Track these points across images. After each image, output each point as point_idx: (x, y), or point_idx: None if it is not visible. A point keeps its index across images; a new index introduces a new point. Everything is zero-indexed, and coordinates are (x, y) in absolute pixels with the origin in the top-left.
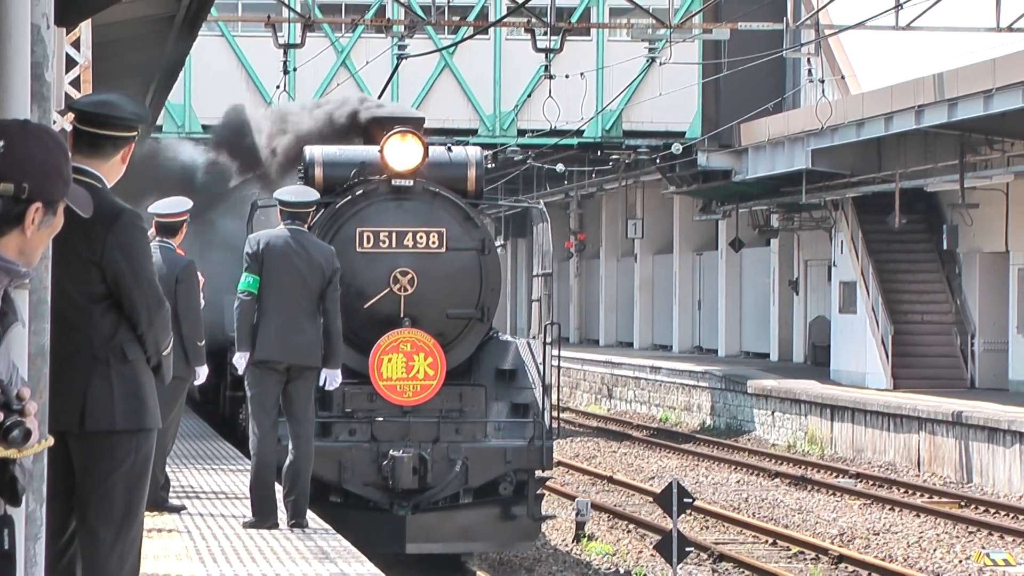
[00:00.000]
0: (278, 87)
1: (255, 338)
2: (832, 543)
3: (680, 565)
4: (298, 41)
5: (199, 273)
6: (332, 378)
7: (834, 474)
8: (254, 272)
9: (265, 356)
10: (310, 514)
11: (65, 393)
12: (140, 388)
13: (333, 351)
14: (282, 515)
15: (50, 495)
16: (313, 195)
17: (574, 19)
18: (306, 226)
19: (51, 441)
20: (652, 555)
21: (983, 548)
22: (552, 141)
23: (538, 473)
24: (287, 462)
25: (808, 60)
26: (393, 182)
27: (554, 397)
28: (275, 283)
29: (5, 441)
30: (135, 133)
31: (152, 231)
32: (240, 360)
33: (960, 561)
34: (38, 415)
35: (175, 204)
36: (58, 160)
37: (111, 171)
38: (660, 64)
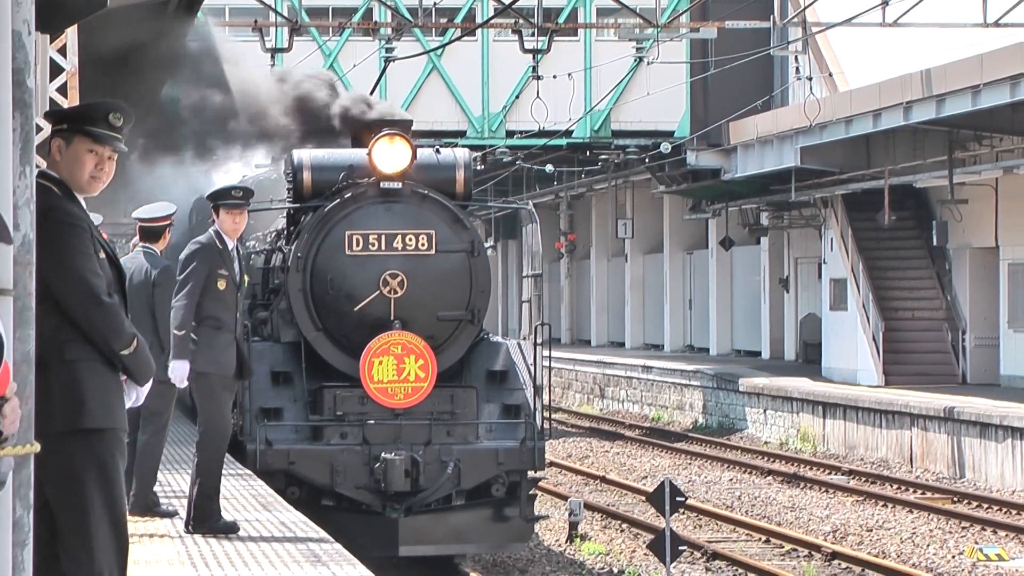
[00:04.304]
0: None
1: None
2: (825, 540)
3: (673, 564)
4: (285, 45)
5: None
6: None
7: (826, 471)
8: None
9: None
10: (302, 517)
11: None
12: (79, 388)
13: None
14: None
15: (37, 505)
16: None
17: (561, 20)
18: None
19: (37, 447)
20: (645, 554)
21: (976, 543)
22: (541, 142)
23: (530, 474)
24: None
25: (795, 58)
26: (382, 185)
27: (545, 398)
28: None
29: None
30: (61, 127)
31: (136, 238)
32: None
33: (953, 556)
34: (23, 420)
35: (158, 209)
36: None
37: (57, 167)
38: (648, 64)
